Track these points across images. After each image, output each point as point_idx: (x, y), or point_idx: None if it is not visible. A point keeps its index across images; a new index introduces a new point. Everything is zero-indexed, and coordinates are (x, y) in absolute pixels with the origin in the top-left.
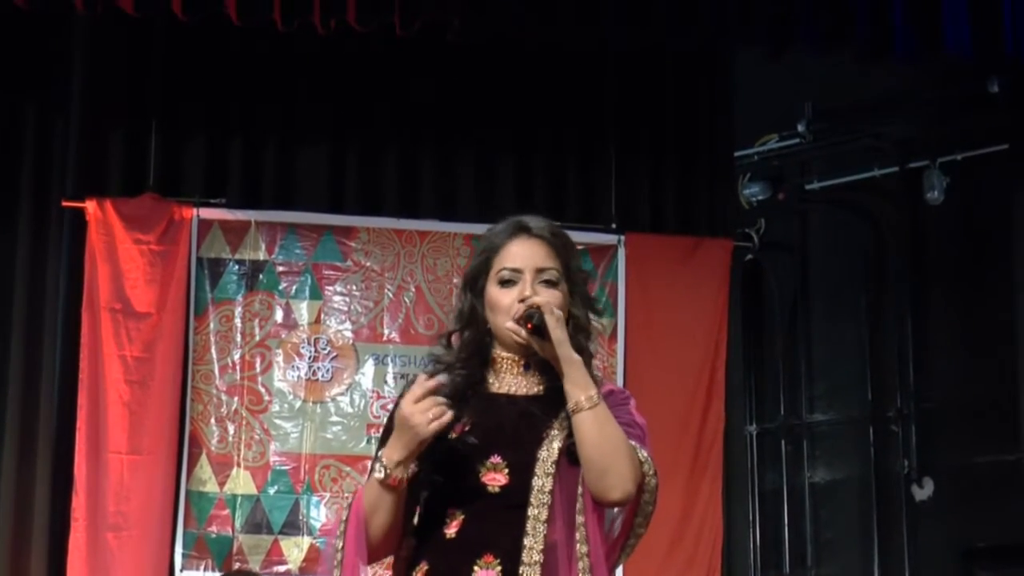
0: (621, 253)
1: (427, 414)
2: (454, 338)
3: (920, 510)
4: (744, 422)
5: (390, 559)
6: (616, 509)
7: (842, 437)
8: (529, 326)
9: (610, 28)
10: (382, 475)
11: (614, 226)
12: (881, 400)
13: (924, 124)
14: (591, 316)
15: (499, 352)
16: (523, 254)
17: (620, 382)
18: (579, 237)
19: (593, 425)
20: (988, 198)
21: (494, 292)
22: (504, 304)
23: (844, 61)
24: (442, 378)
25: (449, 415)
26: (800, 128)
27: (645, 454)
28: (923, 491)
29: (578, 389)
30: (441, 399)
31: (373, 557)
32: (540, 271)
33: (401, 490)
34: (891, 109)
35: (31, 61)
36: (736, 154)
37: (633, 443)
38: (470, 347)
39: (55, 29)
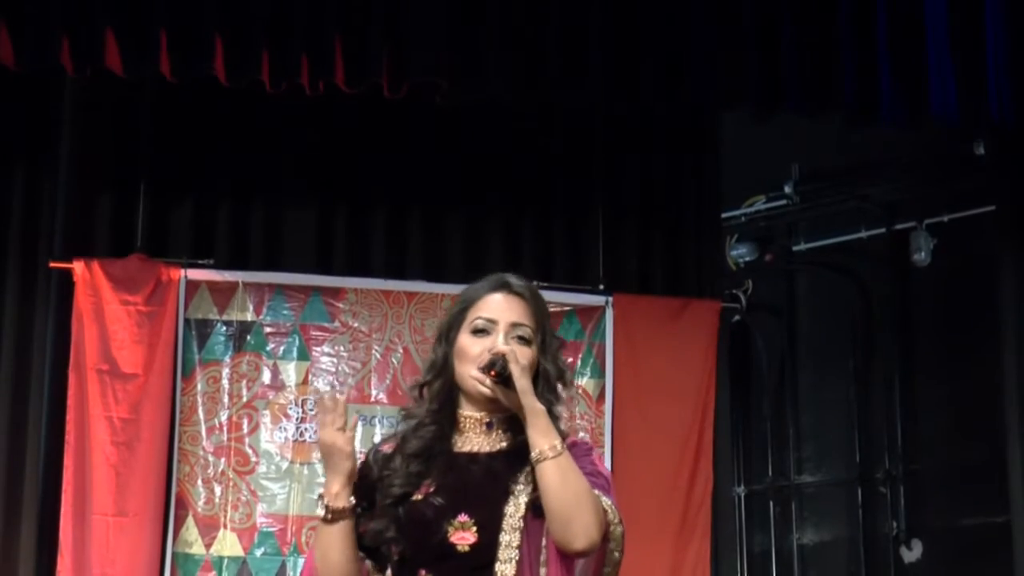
0: (609, 314)
1: (334, 430)
2: (425, 389)
3: (909, 572)
4: (732, 483)
5: None
6: (583, 561)
7: (830, 499)
8: (492, 373)
9: (597, 91)
10: (322, 512)
11: (602, 287)
12: (869, 462)
13: (911, 186)
14: (560, 387)
15: (463, 411)
16: (500, 307)
17: (607, 443)
18: (567, 298)
19: (556, 474)
20: (975, 259)
21: (465, 340)
22: (473, 353)
23: (831, 123)
24: (344, 397)
25: (353, 420)
26: (787, 189)
27: (609, 502)
28: (912, 553)
29: (542, 438)
30: (340, 411)
31: None
32: (515, 326)
33: (347, 523)
34: (878, 170)
35: (19, 122)
36: (723, 215)
37: (597, 492)
38: (440, 398)
39: (44, 91)
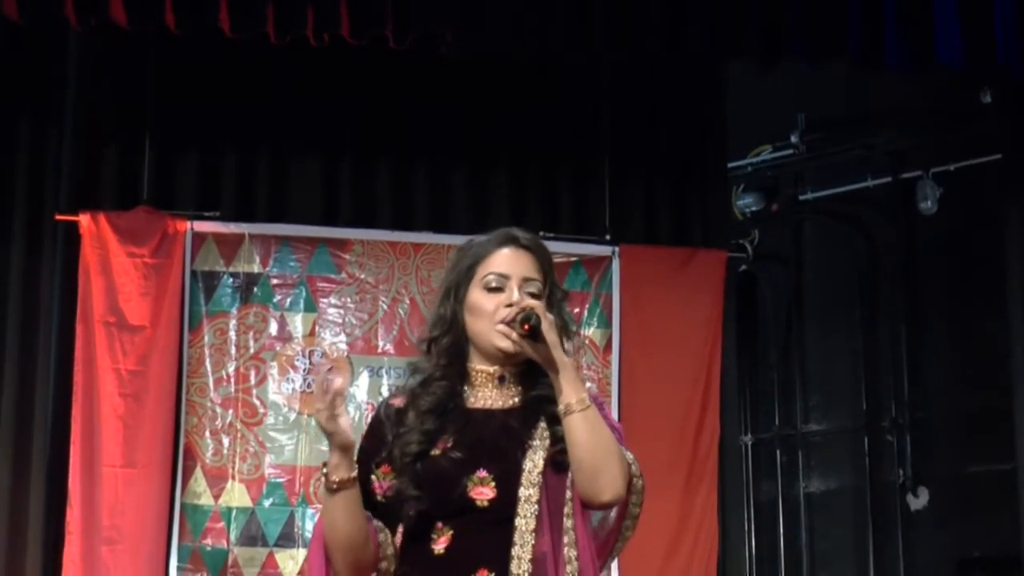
0: (615, 264)
1: (325, 420)
2: (434, 345)
3: (915, 520)
4: (739, 433)
5: None
6: (603, 513)
7: (837, 447)
8: (526, 327)
9: (602, 40)
10: (324, 482)
11: (608, 237)
12: (876, 410)
13: (917, 134)
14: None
15: (475, 365)
16: (511, 262)
17: (614, 393)
18: (573, 249)
19: (585, 427)
20: (981, 208)
21: (478, 297)
22: (488, 309)
23: (837, 72)
24: (340, 382)
25: (339, 383)
26: (793, 139)
27: (631, 456)
28: (918, 501)
29: (571, 391)
30: (333, 389)
31: (350, 572)
32: (527, 281)
33: (351, 492)
34: (884, 119)
35: (24, 75)
36: (729, 165)
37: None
38: (449, 354)
39: (49, 43)
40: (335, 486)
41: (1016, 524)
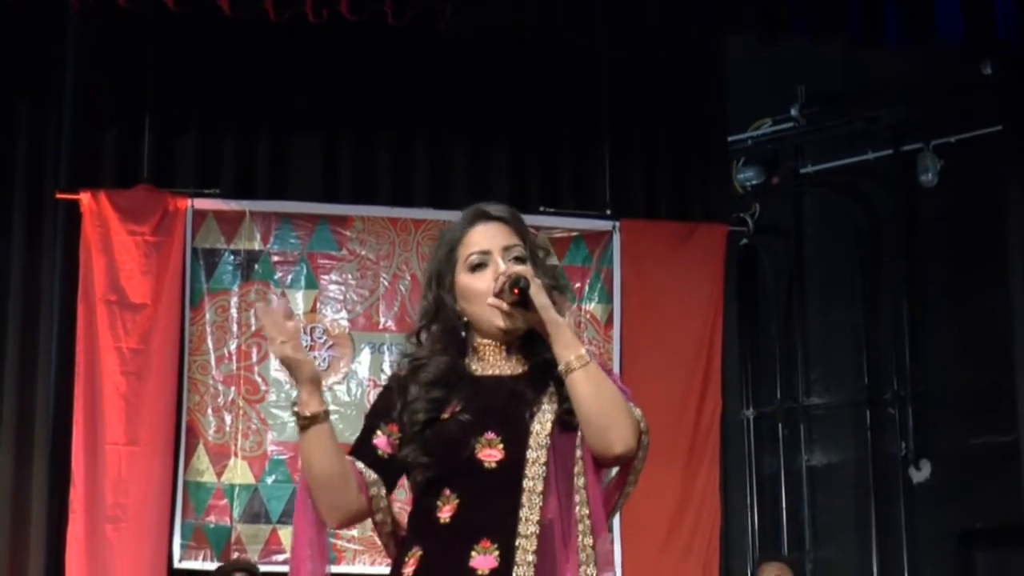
0: (616, 239)
1: (279, 344)
2: (424, 335)
3: (917, 492)
4: (741, 406)
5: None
6: (612, 469)
7: (839, 420)
8: (515, 292)
9: (601, 16)
10: (296, 420)
11: (609, 212)
12: (877, 383)
13: (918, 107)
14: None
15: (480, 340)
16: (487, 236)
17: (616, 367)
18: (574, 224)
19: (588, 382)
20: (982, 180)
21: (466, 280)
22: (480, 288)
23: (837, 45)
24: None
25: (284, 304)
26: (793, 112)
27: (639, 412)
28: (920, 473)
29: (567, 350)
30: (279, 325)
31: (336, 516)
32: (507, 249)
33: (323, 427)
34: (885, 92)
35: (24, 55)
36: (730, 139)
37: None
38: (444, 339)
39: (48, 23)
40: (307, 422)
41: (1018, 495)
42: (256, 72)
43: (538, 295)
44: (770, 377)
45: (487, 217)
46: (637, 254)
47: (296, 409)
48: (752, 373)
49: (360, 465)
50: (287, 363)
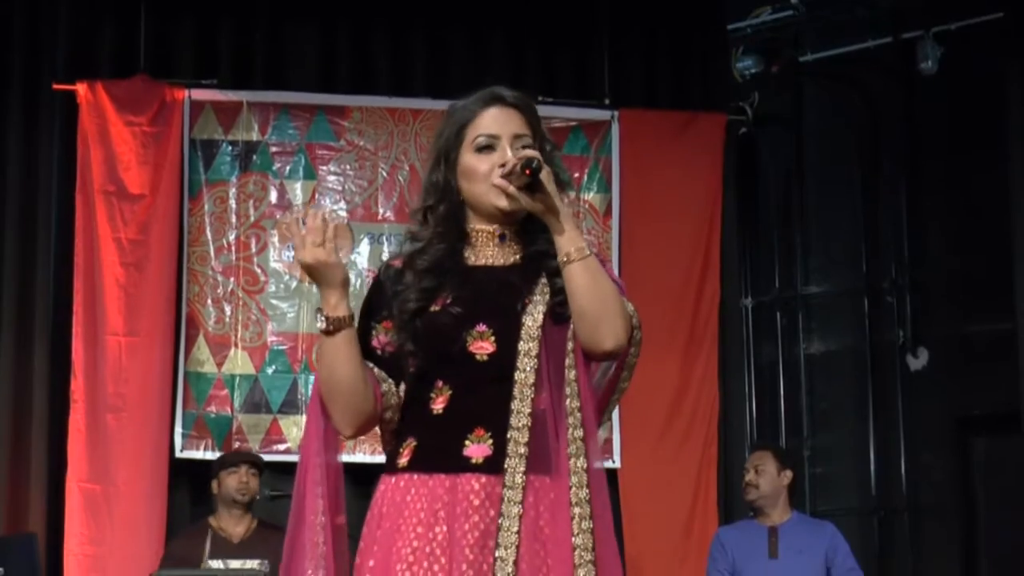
0: (615, 129)
1: (313, 247)
2: (429, 213)
3: (915, 380)
4: (739, 295)
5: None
6: (604, 366)
7: (837, 309)
8: (527, 172)
9: None
10: (323, 324)
11: (607, 102)
12: (876, 271)
13: None
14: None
15: (474, 225)
16: (500, 121)
17: (615, 257)
18: (572, 113)
19: (585, 275)
20: (982, 68)
21: (470, 159)
22: (482, 170)
23: None
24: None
25: (319, 217)
26: (793, 0)
27: (632, 307)
28: (918, 361)
29: (568, 241)
30: (317, 227)
31: (355, 422)
32: (517, 137)
33: (349, 332)
34: None
35: None
36: (729, 27)
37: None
38: (446, 221)
39: None
40: (333, 326)
41: (1015, 383)
42: None
43: (548, 181)
44: (768, 265)
45: (502, 102)
46: (636, 143)
47: (326, 313)
48: (750, 261)
49: (370, 365)
50: (317, 267)
